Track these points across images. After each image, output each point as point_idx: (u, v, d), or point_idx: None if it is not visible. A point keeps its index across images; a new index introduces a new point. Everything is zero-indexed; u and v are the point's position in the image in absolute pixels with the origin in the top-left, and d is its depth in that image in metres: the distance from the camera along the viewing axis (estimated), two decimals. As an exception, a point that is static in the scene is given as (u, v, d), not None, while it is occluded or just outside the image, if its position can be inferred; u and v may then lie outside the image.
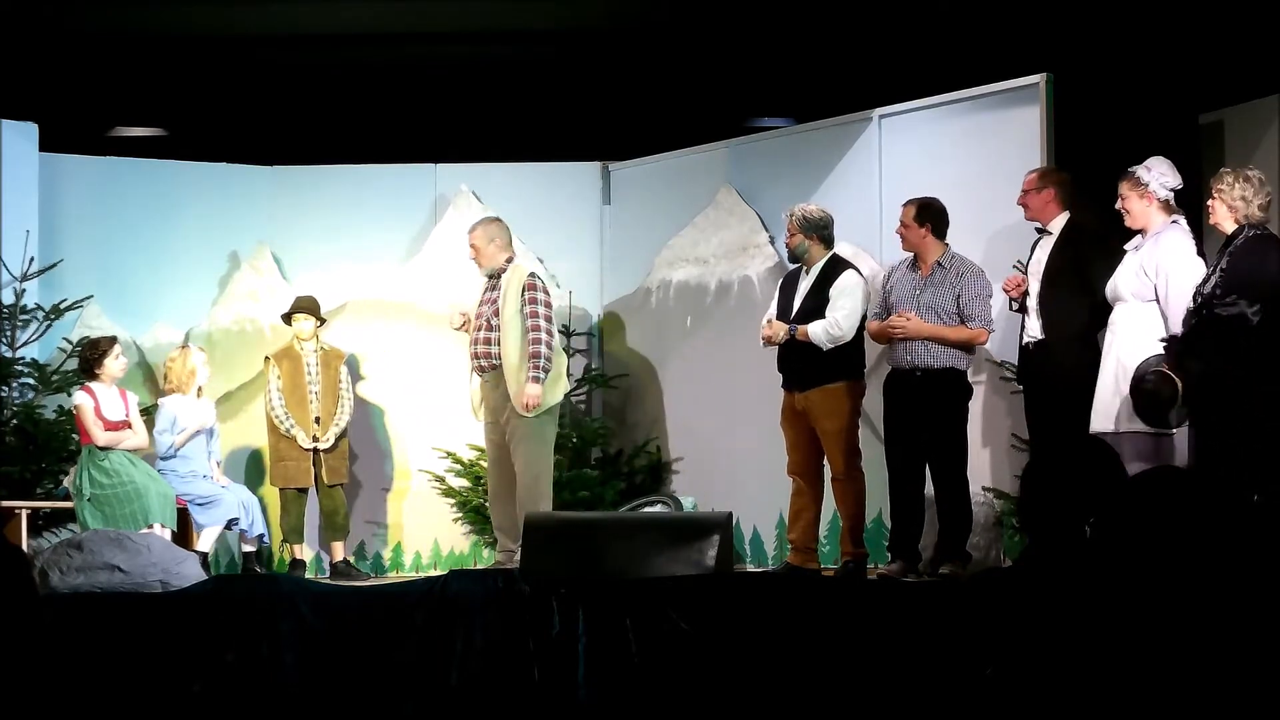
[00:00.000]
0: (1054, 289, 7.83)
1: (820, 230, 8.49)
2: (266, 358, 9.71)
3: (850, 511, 8.41)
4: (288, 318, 9.71)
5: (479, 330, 8.92)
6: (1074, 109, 8.60)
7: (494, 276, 8.98)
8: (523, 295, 8.83)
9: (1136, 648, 3.93)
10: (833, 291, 8.36)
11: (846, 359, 8.36)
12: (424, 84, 10.66)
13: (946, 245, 8.27)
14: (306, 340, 9.64)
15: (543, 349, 8.76)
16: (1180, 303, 7.20)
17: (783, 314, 8.52)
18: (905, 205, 8.32)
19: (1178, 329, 7.17)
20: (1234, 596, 3.96)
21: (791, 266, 8.74)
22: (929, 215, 8.24)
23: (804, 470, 8.50)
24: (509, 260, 8.99)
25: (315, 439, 9.55)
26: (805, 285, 8.49)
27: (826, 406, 8.34)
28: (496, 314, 8.84)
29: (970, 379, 8.35)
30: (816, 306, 8.38)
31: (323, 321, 9.73)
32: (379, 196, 10.57)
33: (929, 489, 8.28)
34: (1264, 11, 8.53)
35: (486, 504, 10.12)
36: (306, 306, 9.69)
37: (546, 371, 8.78)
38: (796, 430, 8.48)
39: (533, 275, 8.93)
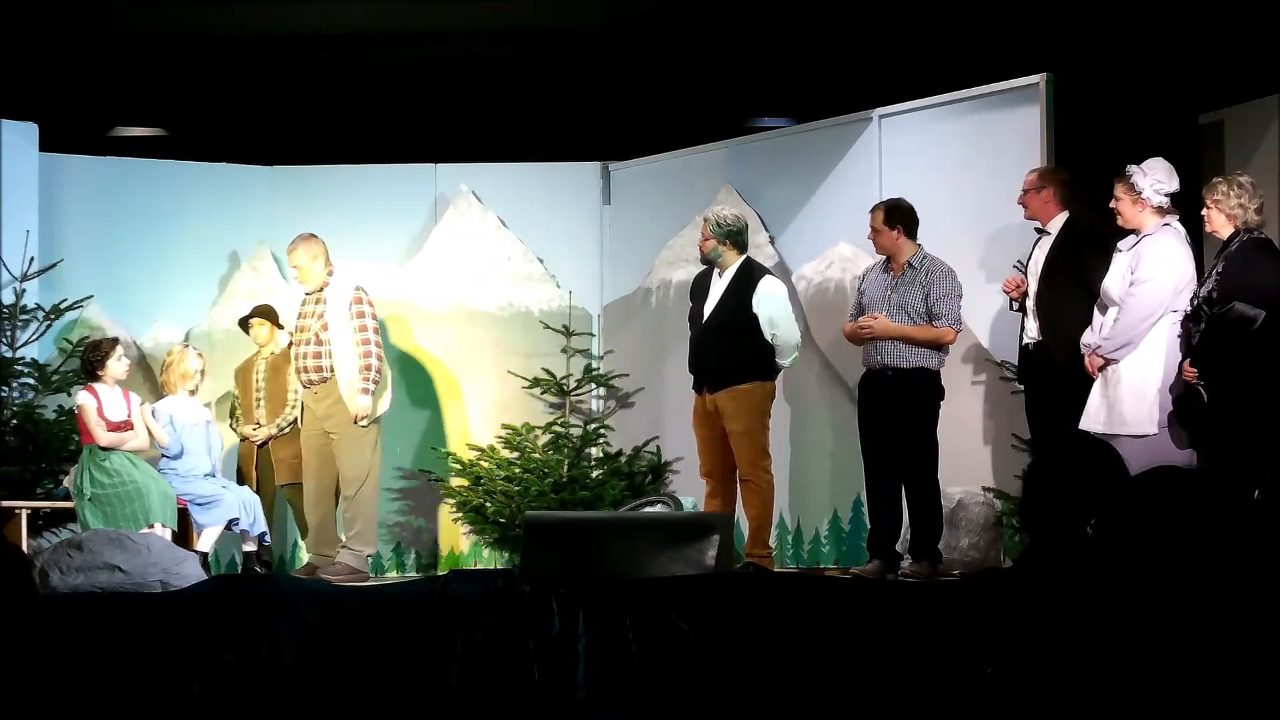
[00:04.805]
0: (1052, 289, 7.84)
1: (734, 235, 8.56)
2: (235, 372, 9.76)
3: (755, 513, 8.46)
4: (244, 325, 9.71)
5: (306, 344, 9.06)
6: (1074, 109, 8.61)
7: (315, 291, 9.12)
8: (350, 309, 8.99)
9: (1137, 647, 3.93)
10: (762, 309, 8.40)
11: (757, 360, 8.42)
12: (424, 84, 10.66)
13: (919, 245, 8.31)
14: (264, 345, 9.65)
15: (373, 361, 8.96)
16: (1143, 302, 7.25)
17: (696, 318, 8.61)
18: (873, 211, 8.37)
19: (1133, 329, 7.23)
20: (1235, 596, 3.97)
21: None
22: (899, 217, 8.29)
23: (714, 472, 8.54)
24: (330, 274, 9.11)
25: (256, 434, 9.56)
26: (719, 288, 8.55)
27: (734, 407, 8.41)
28: (325, 328, 8.99)
29: (951, 379, 8.39)
30: (736, 310, 8.43)
31: (281, 328, 9.68)
32: (379, 196, 10.57)
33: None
34: (1264, 11, 8.54)
35: (486, 504, 10.15)
36: (262, 312, 9.69)
37: (376, 384, 8.98)
38: (709, 431, 8.53)
39: (359, 289, 9.10)
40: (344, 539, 9.08)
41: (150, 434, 8.94)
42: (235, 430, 9.68)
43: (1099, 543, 4.22)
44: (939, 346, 8.20)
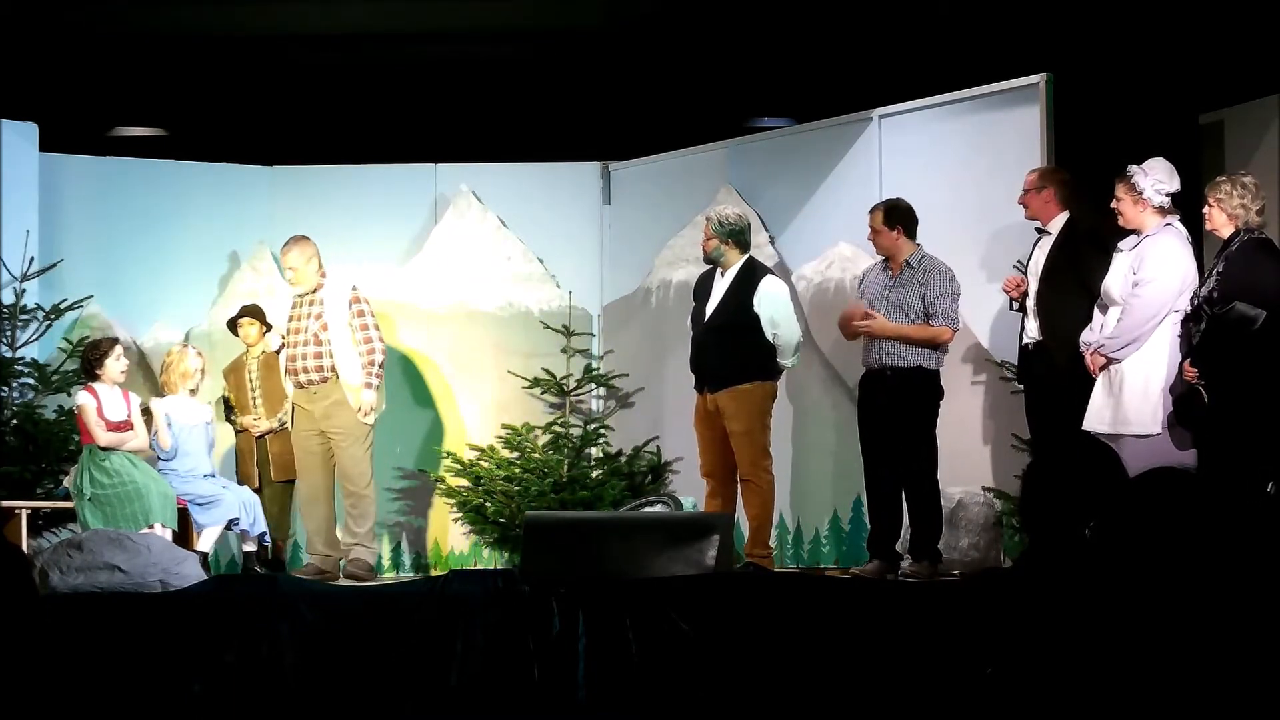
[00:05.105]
0: (1052, 289, 7.84)
1: (736, 234, 8.58)
2: (224, 373, 9.76)
3: (756, 513, 8.48)
4: (233, 325, 9.70)
5: (304, 345, 9.06)
6: (1074, 109, 8.61)
7: (308, 293, 9.14)
8: (351, 308, 9.06)
9: (1137, 648, 3.93)
10: (764, 309, 8.43)
11: (758, 360, 8.44)
12: (424, 84, 10.66)
13: (918, 245, 8.31)
14: (253, 345, 9.65)
15: (378, 356, 9.03)
16: (1148, 303, 7.25)
17: (698, 317, 8.62)
18: (872, 212, 8.37)
19: (1138, 328, 7.23)
20: (1236, 598, 3.96)
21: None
22: (898, 217, 8.29)
23: (715, 472, 8.55)
24: (323, 276, 9.15)
25: (257, 426, 9.56)
26: (721, 287, 8.57)
27: (734, 407, 8.43)
28: (325, 328, 9.02)
29: (951, 379, 8.40)
30: (737, 310, 8.46)
31: (270, 327, 9.67)
32: (379, 196, 10.57)
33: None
34: (1264, 11, 8.54)
35: (486, 504, 10.15)
36: (250, 312, 9.69)
37: (380, 378, 9.07)
38: (710, 431, 8.55)
39: (355, 288, 9.16)
40: (357, 536, 9.09)
41: (157, 432, 8.96)
42: (235, 422, 9.65)
43: (1098, 544, 4.22)
44: (936, 346, 8.20)
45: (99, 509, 8.63)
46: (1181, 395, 7.15)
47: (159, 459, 9.00)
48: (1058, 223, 7.96)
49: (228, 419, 9.73)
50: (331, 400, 9.03)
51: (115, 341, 9.15)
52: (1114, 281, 7.45)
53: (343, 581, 8.88)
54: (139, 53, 10.21)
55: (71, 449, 9.35)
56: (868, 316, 8.25)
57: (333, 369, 9.01)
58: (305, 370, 9.05)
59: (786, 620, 5.85)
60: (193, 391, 9.20)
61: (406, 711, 5.77)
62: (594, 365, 10.58)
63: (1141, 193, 7.39)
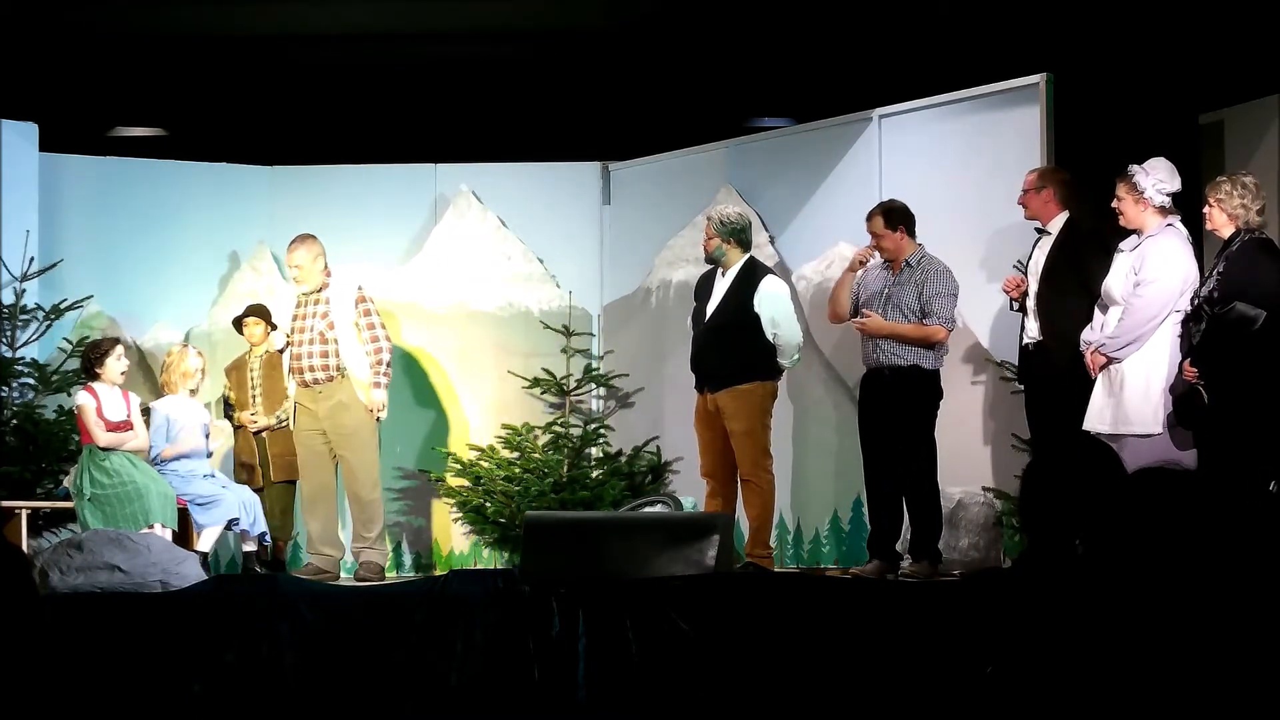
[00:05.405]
0: (1052, 289, 7.84)
1: (738, 234, 8.59)
2: (226, 370, 9.76)
3: (756, 513, 8.49)
4: (239, 324, 9.70)
5: (310, 344, 9.06)
6: (1074, 109, 8.61)
7: (313, 291, 9.14)
8: (357, 307, 9.08)
9: (1137, 647, 3.93)
10: (764, 309, 8.44)
11: (758, 359, 8.44)
12: (424, 84, 10.66)
13: (919, 245, 8.31)
14: (257, 344, 9.65)
15: (385, 355, 9.05)
16: (1150, 303, 7.26)
17: (699, 316, 8.62)
18: (870, 218, 8.34)
19: (1139, 328, 7.23)
20: (1235, 597, 3.97)
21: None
22: (897, 217, 8.29)
23: (715, 472, 8.56)
24: (328, 275, 9.16)
25: (254, 421, 9.56)
26: (722, 287, 8.57)
27: (735, 407, 8.43)
28: (331, 327, 9.03)
29: (951, 379, 8.39)
30: (738, 310, 8.47)
31: (275, 327, 9.66)
32: (379, 196, 10.57)
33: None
34: (1264, 11, 8.54)
35: (486, 504, 10.14)
36: (256, 311, 9.69)
37: (388, 376, 9.09)
38: (710, 432, 8.55)
39: (361, 288, 9.19)
40: (367, 540, 9.09)
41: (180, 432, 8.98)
42: (234, 419, 9.66)
43: (1094, 545, 4.22)
44: (931, 345, 8.19)
45: (99, 509, 8.63)
46: (1182, 395, 7.15)
47: (154, 461, 8.99)
48: (1058, 223, 7.96)
49: (226, 416, 9.74)
50: (336, 400, 9.03)
51: (115, 341, 9.14)
52: (1115, 281, 7.46)
53: (352, 583, 8.88)
54: (139, 53, 10.21)
55: (71, 449, 9.35)
56: (863, 316, 8.25)
57: (338, 368, 9.02)
58: (311, 369, 9.05)
59: (786, 620, 5.85)
60: (193, 391, 9.20)
61: (406, 711, 5.77)
62: (594, 365, 10.58)
63: (1143, 192, 7.39)
